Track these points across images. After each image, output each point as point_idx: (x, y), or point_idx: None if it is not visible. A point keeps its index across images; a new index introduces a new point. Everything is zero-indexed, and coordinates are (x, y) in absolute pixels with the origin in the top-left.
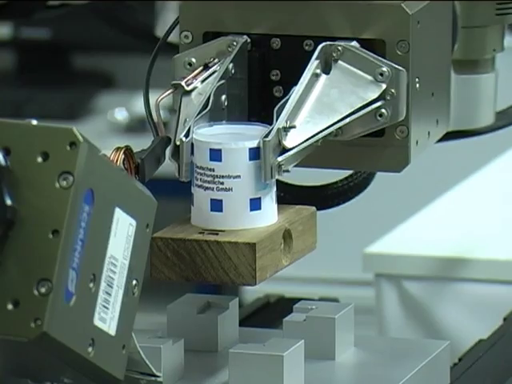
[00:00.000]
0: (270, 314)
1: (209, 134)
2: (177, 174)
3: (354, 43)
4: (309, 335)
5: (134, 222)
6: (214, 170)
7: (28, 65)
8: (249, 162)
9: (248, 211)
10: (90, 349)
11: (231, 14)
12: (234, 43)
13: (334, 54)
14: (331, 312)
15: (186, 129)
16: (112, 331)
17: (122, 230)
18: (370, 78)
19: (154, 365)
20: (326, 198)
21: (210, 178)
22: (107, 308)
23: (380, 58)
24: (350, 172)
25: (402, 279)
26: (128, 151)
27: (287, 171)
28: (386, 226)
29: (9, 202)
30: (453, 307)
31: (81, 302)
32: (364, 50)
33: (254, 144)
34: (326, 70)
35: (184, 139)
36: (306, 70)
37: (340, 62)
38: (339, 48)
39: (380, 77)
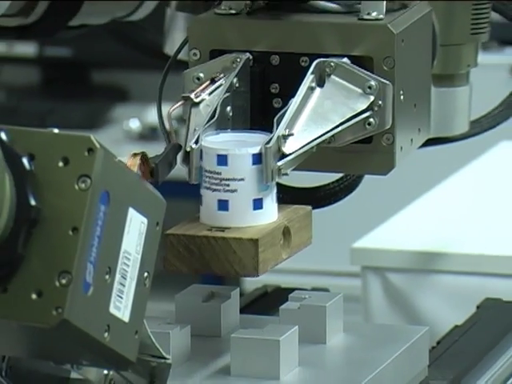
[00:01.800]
0: (267, 302)
1: (216, 141)
2: (187, 178)
3: (345, 60)
4: (302, 322)
5: (145, 221)
6: (220, 174)
7: (51, 80)
8: (252, 167)
9: (251, 210)
10: (106, 334)
11: (235, 34)
12: (238, 60)
13: (328, 70)
14: (322, 301)
15: (196, 137)
16: (126, 318)
17: (135, 227)
18: (359, 90)
19: (163, 348)
20: (319, 198)
21: (217, 181)
22: (121, 297)
23: (368, 73)
24: (340, 175)
25: (386, 271)
26: (144, 157)
27: (286, 174)
28: (371, 224)
29: (33, 202)
30: (431, 296)
31: (98, 292)
32: (354, 66)
33: (256, 150)
34: (320, 83)
35: (194, 146)
36: (303, 83)
37: (333, 76)
38: (332, 64)
39: (368, 90)
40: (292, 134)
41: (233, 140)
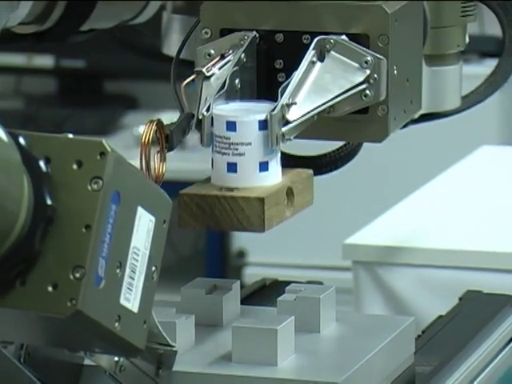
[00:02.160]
0: (266, 294)
1: (225, 109)
2: (200, 143)
3: (344, 37)
4: (298, 312)
5: (153, 219)
6: (229, 139)
7: (67, 89)
8: (258, 132)
9: (258, 172)
10: (116, 324)
11: (243, 14)
12: (245, 37)
13: (327, 46)
14: (316, 293)
15: (207, 105)
16: (135, 309)
17: (144, 225)
18: (356, 65)
19: (169, 337)
20: (321, 165)
21: (226, 145)
22: (131, 290)
23: (365, 49)
24: (339, 144)
25: (375, 266)
26: (159, 123)
27: (289, 139)
28: (361, 222)
29: (49, 202)
30: (417, 289)
31: (109, 284)
32: (352, 43)
33: (262, 117)
34: (321, 58)
35: (205, 113)
36: (305, 58)
37: (332, 52)
38: (331, 41)
39: (365, 64)
40: (295, 103)
41: (241, 108)
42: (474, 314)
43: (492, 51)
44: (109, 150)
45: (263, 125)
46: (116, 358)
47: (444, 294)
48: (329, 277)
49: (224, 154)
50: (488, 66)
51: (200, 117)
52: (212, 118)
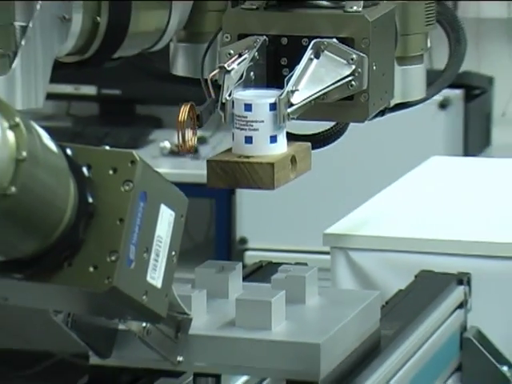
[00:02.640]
0: (262, 273)
1: (243, 94)
2: (223, 121)
3: (335, 40)
4: (288, 288)
5: (173, 214)
6: (246, 117)
7: (106, 112)
8: (269, 112)
9: (268, 143)
10: (144, 297)
11: (256, 23)
12: (258, 40)
13: (322, 47)
14: (302, 272)
15: (229, 92)
16: (158, 285)
17: (165, 218)
18: (344, 62)
19: (186, 307)
20: (316, 141)
21: (244, 123)
22: (155, 270)
23: (351, 49)
24: (330, 124)
25: (348, 250)
26: (192, 106)
27: (293, 118)
28: (337, 216)
29: (90, 200)
30: (382, 269)
31: (138, 266)
32: (341, 44)
33: (272, 100)
34: (317, 56)
35: (228, 98)
36: (304, 56)
37: (326, 51)
38: (325, 43)
39: (351, 61)
40: (297, 90)
41: (255, 94)
42: (426, 288)
43: None
44: (138, 159)
45: (273, 106)
46: (144, 324)
47: (403, 273)
48: (312, 259)
49: (242, 129)
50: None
51: (223, 101)
52: (233, 102)
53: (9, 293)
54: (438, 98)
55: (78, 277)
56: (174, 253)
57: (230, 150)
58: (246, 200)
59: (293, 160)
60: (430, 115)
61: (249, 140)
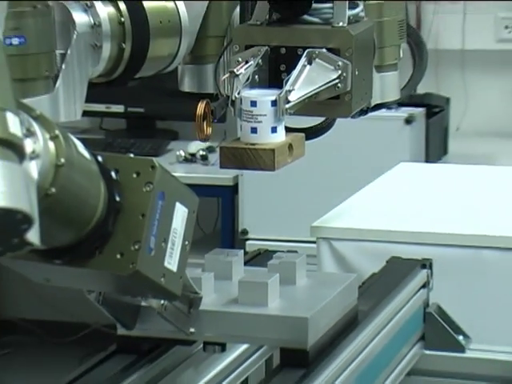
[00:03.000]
0: (260, 259)
1: (250, 93)
2: (233, 115)
3: (324, 50)
4: (281, 271)
5: (186, 210)
6: (252, 112)
7: (132, 126)
8: (271, 108)
9: (270, 133)
10: (162, 279)
11: (260, 35)
12: (261, 50)
13: (314, 55)
14: (293, 258)
15: (237, 91)
16: (174, 269)
17: (180, 214)
18: (332, 67)
19: (197, 287)
20: (309, 132)
21: (250, 116)
22: (171, 257)
23: (337, 57)
24: (321, 120)
25: (331, 240)
26: (208, 102)
27: (290, 113)
28: (324, 210)
29: (117, 198)
30: (359, 255)
31: (157, 253)
32: (329, 53)
33: (273, 98)
34: (310, 63)
35: (237, 96)
36: (299, 63)
37: (317, 59)
38: (316, 52)
39: (337, 67)
40: (294, 90)
41: (259, 93)
42: (395, 272)
43: (405, 102)
44: (157, 165)
45: (274, 103)
46: (162, 301)
47: (376, 259)
48: (301, 247)
49: (248, 121)
50: (403, 112)
51: (233, 98)
52: (241, 99)
53: (50, 275)
54: (404, 115)
55: (107, 262)
56: (187, 242)
57: (238, 138)
58: (247, 198)
59: (290, 147)
60: (398, 129)
61: (254, 130)
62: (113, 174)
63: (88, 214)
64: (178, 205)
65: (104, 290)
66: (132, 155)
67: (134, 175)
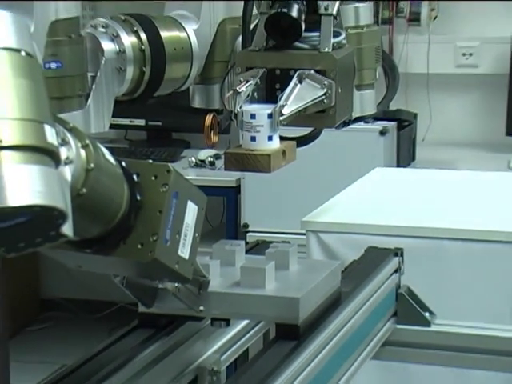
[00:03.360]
0: (259, 248)
1: (250, 107)
2: (236, 126)
3: (312, 71)
4: (277, 259)
5: (196, 207)
6: (252, 123)
7: (152, 137)
8: (267, 120)
9: (267, 141)
10: (176, 265)
11: (259, 59)
12: (259, 71)
13: (304, 76)
14: (287, 248)
15: (240, 106)
16: (186, 257)
17: (191, 211)
18: (319, 86)
19: (206, 272)
20: (299, 141)
21: (250, 127)
22: (184, 246)
23: (323, 78)
24: (309, 130)
25: (319, 233)
26: (214, 115)
27: (284, 125)
28: (313, 207)
29: (138, 197)
30: (342, 245)
31: (172, 244)
32: (317, 74)
33: (269, 111)
34: (300, 82)
35: (239, 110)
36: (291, 82)
37: (306, 79)
38: (306, 73)
39: (323, 86)
40: (286, 104)
41: (257, 107)
42: (372, 259)
43: (379, 117)
44: (172, 169)
45: (270, 116)
46: (176, 284)
47: (356, 249)
48: (294, 238)
49: (248, 131)
50: (378, 125)
51: (236, 112)
52: (242, 113)
53: (82, 262)
54: (379, 127)
55: (130, 252)
56: (197, 234)
57: (240, 145)
58: (248, 197)
59: (283, 153)
60: (374, 139)
61: (253, 139)
62: (134, 176)
63: (113, 211)
64: (189, 203)
65: (127, 275)
66: (151, 161)
67: (153, 178)
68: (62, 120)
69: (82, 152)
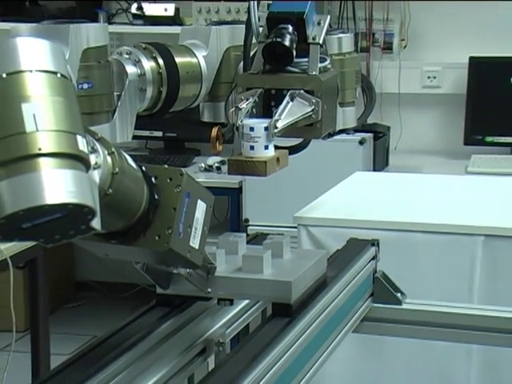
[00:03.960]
0: (258, 240)
1: (249, 121)
2: (238, 136)
3: (302, 91)
4: (273, 248)
5: (205, 205)
6: (251, 134)
7: (168, 146)
8: (264, 132)
9: (263, 150)
10: (188, 254)
11: (257, 80)
12: (258, 91)
13: (295, 95)
14: (281, 239)
15: (241, 120)
16: (196, 247)
17: (200, 208)
18: (307, 103)
19: (213, 260)
20: (291, 150)
21: (249, 137)
22: (195, 238)
23: (312, 96)
24: (299, 140)
25: (308, 226)
26: (220, 128)
27: (278, 136)
28: (303, 204)
29: (156, 197)
30: (328, 237)
31: (184, 236)
32: (306, 93)
33: (266, 124)
34: (292, 100)
35: (240, 123)
36: (284, 100)
37: (297, 97)
38: (297, 92)
39: (312, 103)
40: (280, 119)
41: (256, 121)
42: (353, 248)
43: (359, 129)
44: (184, 173)
45: (266, 128)
46: (188, 270)
47: (340, 240)
48: (287, 231)
49: (248, 141)
50: (357, 136)
51: (238, 125)
52: (243, 126)
53: (109, 251)
54: (358, 138)
55: (148, 243)
56: (205, 228)
57: (240, 153)
58: (248, 197)
59: (277, 160)
60: (354, 148)
61: (252, 148)
62: (153, 179)
63: (135, 208)
64: (199, 201)
65: (146, 262)
66: (166, 166)
67: (168, 180)
68: (91, 131)
69: (109, 158)
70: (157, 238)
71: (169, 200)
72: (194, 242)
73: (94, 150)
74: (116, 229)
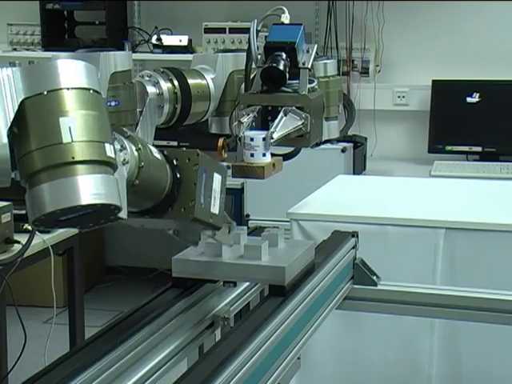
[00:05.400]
0: (257, 232)
1: (250, 133)
2: (240, 146)
3: (294, 107)
4: (269, 239)
5: (220, 177)
6: (251, 144)
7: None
8: (262, 141)
9: (262, 157)
10: (210, 219)
11: (256, 99)
12: (257, 108)
13: (288, 111)
14: (277, 231)
15: (243, 132)
16: (217, 212)
17: (217, 179)
18: (298, 118)
19: (221, 247)
20: (285, 157)
21: (249, 146)
22: (214, 205)
23: (302, 112)
24: (292, 149)
25: (300, 221)
26: (225, 138)
27: (274, 145)
28: (294, 202)
29: (178, 176)
30: (317, 230)
31: (205, 205)
32: (297, 110)
33: (264, 135)
34: (285, 115)
35: (242, 134)
36: (279, 115)
37: (290, 113)
38: (289, 109)
39: (302, 117)
40: (276, 131)
41: (255, 132)
42: (336, 239)
43: (341, 139)
44: (200, 153)
45: (264, 139)
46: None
47: (325, 232)
48: (282, 225)
49: (249, 150)
50: (340, 145)
51: (240, 136)
52: (244, 137)
53: (144, 223)
54: (340, 147)
55: (176, 214)
56: (222, 195)
57: (242, 160)
58: (249, 196)
59: (273, 165)
60: (337, 155)
61: (252, 155)
62: (174, 161)
63: (160, 190)
64: (215, 174)
65: (177, 228)
66: (184, 149)
67: (187, 161)
68: (122, 130)
69: (136, 154)
70: (182, 210)
71: (189, 177)
72: (215, 209)
73: (123, 148)
74: (146, 208)
